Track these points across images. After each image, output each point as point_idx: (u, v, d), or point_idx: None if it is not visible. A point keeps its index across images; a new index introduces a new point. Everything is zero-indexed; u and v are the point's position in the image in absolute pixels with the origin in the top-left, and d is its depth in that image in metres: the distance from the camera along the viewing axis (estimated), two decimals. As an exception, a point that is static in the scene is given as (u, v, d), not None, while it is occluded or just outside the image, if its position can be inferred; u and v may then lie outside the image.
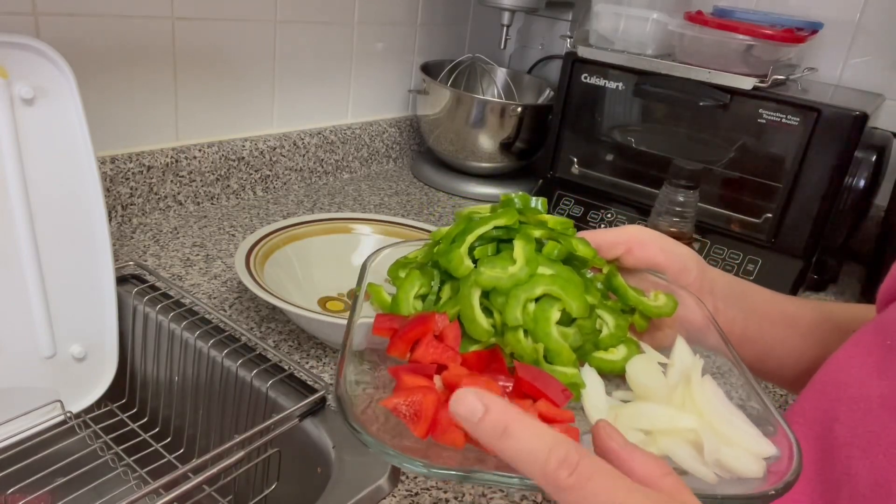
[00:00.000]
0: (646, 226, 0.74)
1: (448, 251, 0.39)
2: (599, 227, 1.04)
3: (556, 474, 0.25)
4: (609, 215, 1.05)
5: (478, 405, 0.27)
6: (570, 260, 0.40)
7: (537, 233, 0.40)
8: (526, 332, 0.37)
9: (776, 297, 0.52)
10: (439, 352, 0.35)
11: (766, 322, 0.50)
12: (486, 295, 0.38)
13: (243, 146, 1.02)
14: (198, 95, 0.96)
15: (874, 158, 0.89)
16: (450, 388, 0.33)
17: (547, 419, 0.32)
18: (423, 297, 0.40)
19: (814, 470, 0.38)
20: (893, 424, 0.34)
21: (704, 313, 0.43)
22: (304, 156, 1.12)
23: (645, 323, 0.43)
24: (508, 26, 1.15)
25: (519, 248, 0.38)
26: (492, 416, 0.27)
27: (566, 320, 0.38)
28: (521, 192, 0.43)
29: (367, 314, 0.39)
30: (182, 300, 0.73)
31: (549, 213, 0.42)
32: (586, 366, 0.38)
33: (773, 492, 0.31)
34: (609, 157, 1.08)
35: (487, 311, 0.38)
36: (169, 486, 0.49)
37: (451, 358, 0.35)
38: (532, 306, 0.37)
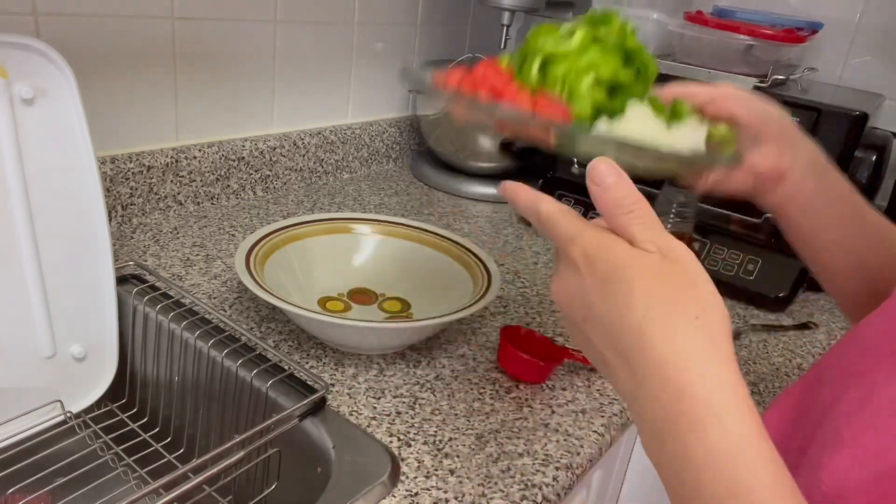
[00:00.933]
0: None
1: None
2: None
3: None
4: (609, 215, 1.05)
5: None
6: (630, 58, 0.48)
7: (602, 30, 0.48)
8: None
9: (853, 193, 0.54)
10: (493, 72, 0.48)
11: (833, 205, 0.53)
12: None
13: (243, 146, 1.02)
14: (198, 95, 0.96)
15: (874, 158, 0.89)
16: (493, 90, 0.47)
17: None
18: None
19: (799, 399, 0.43)
20: (860, 361, 0.37)
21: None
22: (304, 156, 1.12)
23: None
24: (508, 26, 1.15)
25: (578, 34, 0.47)
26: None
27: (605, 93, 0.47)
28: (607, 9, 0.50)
29: None
30: (182, 300, 0.73)
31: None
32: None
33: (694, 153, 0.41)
34: (609, 157, 1.08)
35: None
36: (169, 486, 0.49)
37: (503, 79, 0.47)
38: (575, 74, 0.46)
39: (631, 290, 0.34)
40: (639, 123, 0.46)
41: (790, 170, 0.51)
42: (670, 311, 0.33)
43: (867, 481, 0.33)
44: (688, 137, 0.47)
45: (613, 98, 0.47)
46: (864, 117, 0.85)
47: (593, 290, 0.35)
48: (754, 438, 0.31)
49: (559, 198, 1.08)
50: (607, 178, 0.35)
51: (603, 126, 0.46)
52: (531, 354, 0.69)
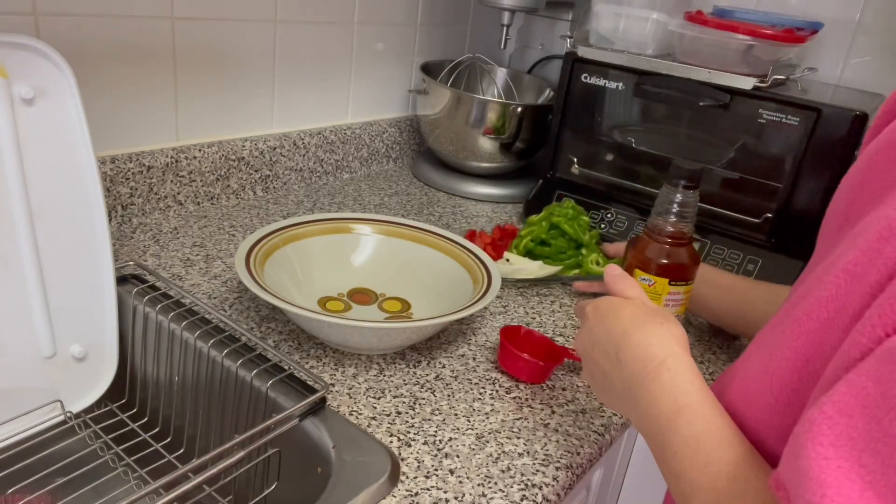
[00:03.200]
0: (645, 225, 0.74)
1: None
2: (600, 226, 1.04)
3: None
4: (609, 215, 1.05)
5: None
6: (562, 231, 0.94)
7: (556, 210, 0.95)
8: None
9: (718, 273, 0.80)
10: (500, 233, 0.99)
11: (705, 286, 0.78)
12: (542, 242, 0.94)
13: (243, 146, 1.02)
14: (198, 95, 0.96)
15: (874, 158, 0.89)
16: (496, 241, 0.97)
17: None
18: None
19: None
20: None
21: None
22: (304, 156, 1.12)
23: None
24: (508, 26, 1.15)
25: (543, 213, 0.95)
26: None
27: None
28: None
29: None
30: (182, 300, 0.73)
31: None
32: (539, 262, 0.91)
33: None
34: (609, 157, 1.08)
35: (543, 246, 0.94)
36: (169, 486, 0.49)
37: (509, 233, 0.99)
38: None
39: (620, 313, 0.52)
40: (525, 265, 0.89)
41: None
42: (645, 320, 0.51)
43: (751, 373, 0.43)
44: (546, 269, 0.89)
45: (542, 246, 0.92)
46: (864, 117, 0.85)
47: (596, 323, 0.53)
48: (694, 378, 0.45)
49: (559, 197, 1.09)
50: (615, 271, 0.57)
51: (506, 269, 0.88)
52: (531, 354, 0.69)
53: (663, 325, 0.49)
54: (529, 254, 0.92)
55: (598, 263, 0.89)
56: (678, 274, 0.72)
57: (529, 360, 0.68)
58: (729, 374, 0.47)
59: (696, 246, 0.97)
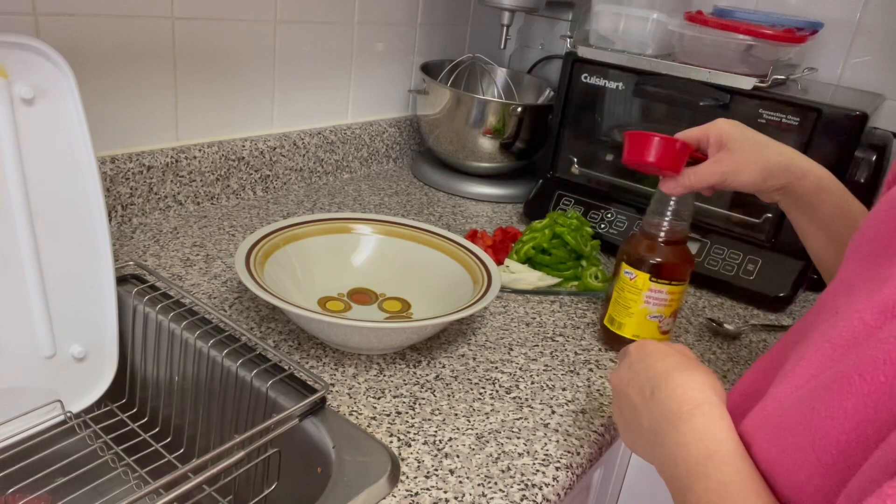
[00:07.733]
0: (640, 226, 0.73)
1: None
2: (599, 226, 1.04)
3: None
4: (609, 215, 1.05)
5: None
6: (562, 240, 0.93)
7: (559, 219, 0.93)
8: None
9: (827, 179, 0.67)
10: (502, 234, 1.00)
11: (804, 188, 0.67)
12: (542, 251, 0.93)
13: (243, 146, 1.02)
14: (198, 95, 0.96)
15: (874, 158, 0.89)
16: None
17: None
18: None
19: (774, 355, 0.51)
20: (813, 317, 0.46)
21: None
22: (304, 156, 1.12)
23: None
24: (508, 26, 1.15)
25: (546, 221, 0.93)
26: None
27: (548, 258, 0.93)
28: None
29: None
30: (182, 300, 0.73)
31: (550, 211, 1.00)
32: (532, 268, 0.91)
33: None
34: (609, 157, 1.08)
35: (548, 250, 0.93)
36: (169, 486, 0.49)
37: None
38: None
39: (667, 357, 0.52)
40: (525, 275, 0.89)
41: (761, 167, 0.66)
42: (690, 365, 0.50)
43: (785, 403, 0.41)
44: (546, 280, 0.89)
45: (543, 254, 0.91)
46: (864, 117, 0.85)
47: (638, 359, 0.53)
48: (728, 429, 0.43)
49: (559, 198, 1.09)
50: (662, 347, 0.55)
51: (507, 278, 0.88)
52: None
53: (708, 374, 0.49)
54: (529, 261, 0.92)
55: (596, 278, 0.89)
56: (668, 272, 0.71)
57: (665, 137, 0.63)
58: (759, 415, 0.44)
59: (696, 246, 0.97)
